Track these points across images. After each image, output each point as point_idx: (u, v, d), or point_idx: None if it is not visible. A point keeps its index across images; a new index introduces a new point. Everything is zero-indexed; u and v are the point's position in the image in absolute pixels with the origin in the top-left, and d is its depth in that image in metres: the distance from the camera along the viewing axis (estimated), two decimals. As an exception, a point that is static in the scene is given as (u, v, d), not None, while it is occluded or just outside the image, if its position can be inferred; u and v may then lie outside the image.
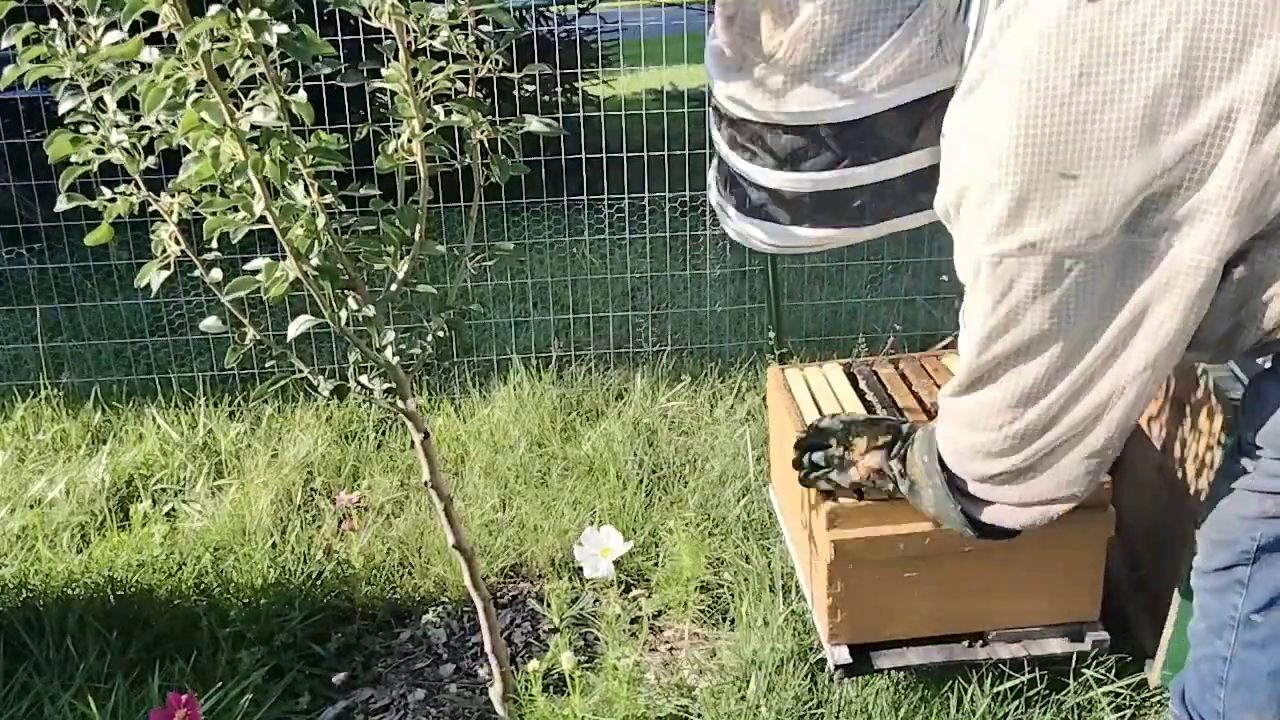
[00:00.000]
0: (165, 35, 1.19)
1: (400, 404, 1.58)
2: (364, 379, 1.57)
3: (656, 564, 2.39)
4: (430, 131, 1.41)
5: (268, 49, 1.19)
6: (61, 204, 1.40)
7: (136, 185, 1.43)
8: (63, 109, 1.33)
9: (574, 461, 2.84)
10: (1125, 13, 1.16)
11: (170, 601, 2.26)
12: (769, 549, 2.36)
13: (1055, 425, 1.38)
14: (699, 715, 1.95)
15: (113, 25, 1.24)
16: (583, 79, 5.25)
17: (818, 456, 1.77)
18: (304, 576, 2.36)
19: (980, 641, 1.90)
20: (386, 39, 1.36)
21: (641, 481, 2.71)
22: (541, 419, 3.07)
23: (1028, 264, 1.25)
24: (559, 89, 5.56)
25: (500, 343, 3.61)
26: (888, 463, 1.69)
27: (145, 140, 1.37)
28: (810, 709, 1.94)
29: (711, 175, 1.60)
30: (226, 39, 1.18)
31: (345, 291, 1.46)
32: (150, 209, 1.45)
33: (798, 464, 1.80)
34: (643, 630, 2.17)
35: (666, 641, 2.21)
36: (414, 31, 1.34)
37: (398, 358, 1.50)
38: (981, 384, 1.40)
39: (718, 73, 1.43)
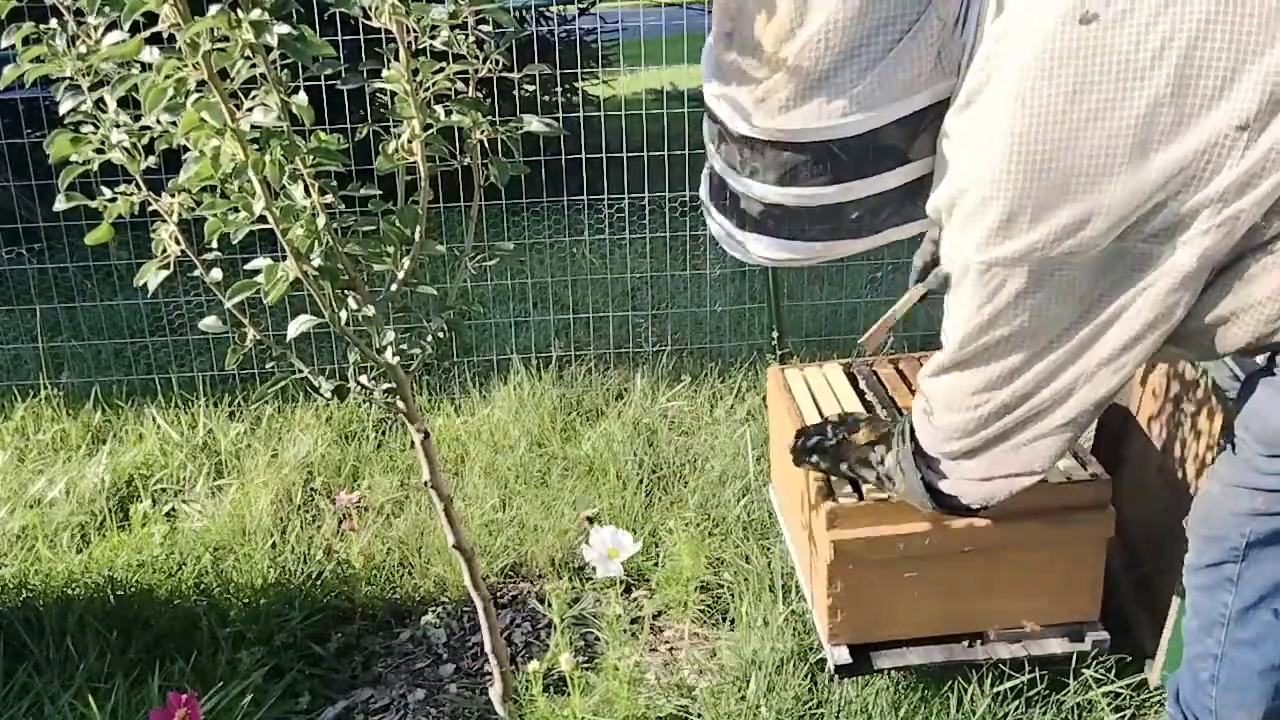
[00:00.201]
0: (165, 35, 1.19)
1: (400, 404, 1.58)
2: (364, 379, 1.57)
3: (656, 564, 2.39)
4: (430, 131, 1.41)
5: (268, 49, 1.19)
6: (61, 203, 1.40)
7: (137, 185, 1.42)
8: (63, 109, 1.33)
9: (574, 461, 2.84)
10: (1119, 31, 1.19)
11: (170, 601, 2.26)
12: (769, 549, 2.36)
13: (1022, 404, 1.42)
14: (699, 715, 1.95)
15: (113, 25, 1.24)
16: (583, 79, 5.25)
17: (814, 443, 1.80)
18: (304, 576, 2.36)
19: (980, 641, 1.90)
20: (387, 39, 1.36)
21: (641, 481, 2.71)
22: (541, 419, 3.07)
23: (1014, 272, 1.30)
24: (559, 89, 5.56)
25: (500, 343, 3.61)
26: (873, 450, 1.72)
27: (145, 140, 1.37)
28: (810, 709, 1.94)
29: (704, 189, 1.60)
30: (227, 39, 1.18)
31: (345, 292, 1.46)
32: (150, 209, 1.45)
33: (795, 449, 1.82)
34: (643, 630, 2.17)
35: (667, 641, 2.21)
36: (414, 32, 1.34)
37: (398, 358, 1.50)
38: (959, 369, 1.45)
39: (716, 92, 1.44)
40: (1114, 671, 1.90)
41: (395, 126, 1.44)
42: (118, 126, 1.35)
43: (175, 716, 1.55)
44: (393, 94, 1.40)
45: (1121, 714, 1.89)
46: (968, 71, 1.32)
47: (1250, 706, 1.44)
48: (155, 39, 1.22)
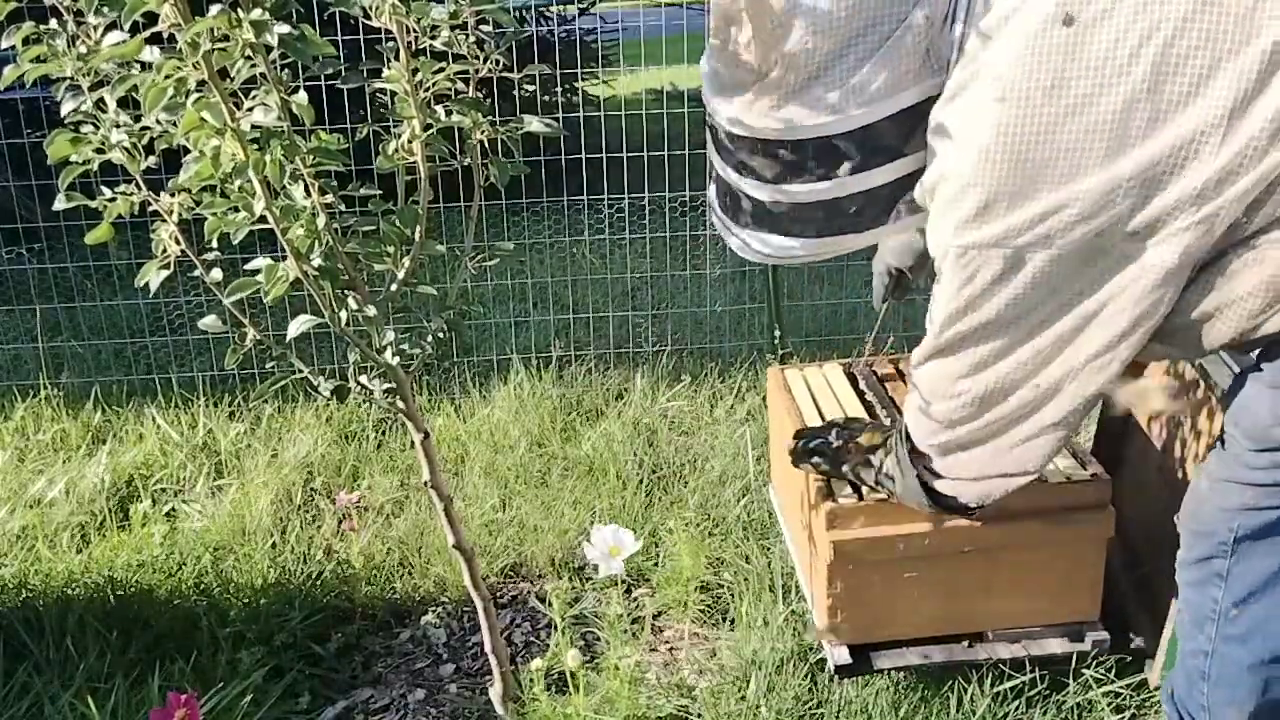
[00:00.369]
0: (165, 35, 1.19)
1: (400, 404, 1.58)
2: (364, 379, 1.57)
3: (656, 564, 2.39)
4: (430, 132, 1.41)
5: (268, 49, 1.19)
6: (60, 203, 1.40)
7: (137, 185, 1.42)
8: (64, 110, 1.33)
9: (574, 461, 2.84)
10: (1099, 30, 1.23)
11: (170, 601, 2.26)
12: (769, 549, 2.36)
13: (1009, 399, 1.44)
14: (699, 715, 1.95)
15: (113, 25, 1.24)
16: (583, 79, 5.25)
17: (815, 445, 1.81)
18: (304, 576, 2.36)
19: (980, 641, 1.90)
20: (387, 39, 1.36)
21: (641, 481, 2.71)
22: (541, 419, 3.07)
23: (990, 256, 1.33)
24: (559, 89, 5.56)
25: (500, 343, 3.61)
26: (875, 454, 1.74)
27: (145, 140, 1.37)
28: (810, 709, 1.94)
29: (711, 192, 1.63)
30: (227, 39, 1.18)
31: (345, 292, 1.46)
32: (150, 209, 1.45)
33: (794, 451, 1.83)
34: (643, 630, 2.17)
35: (667, 641, 2.21)
36: (414, 32, 1.34)
37: (398, 358, 1.50)
38: (942, 355, 1.47)
39: (713, 92, 1.48)
40: (1114, 671, 1.90)
41: (395, 126, 1.44)
42: (118, 126, 1.35)
43: (175, 716, 1.55)
44: (393, 94, 1.40)
45: (1121, 714, 1.89)
46: (956, 67, 1.35)
47: (1240, 702, 1.45)
48: (155, 39, 1.22)
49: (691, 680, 2.06)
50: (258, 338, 1.51)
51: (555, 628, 2.04)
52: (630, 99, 6.22)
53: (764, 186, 1.47)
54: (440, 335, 1.57)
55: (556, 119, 1.49)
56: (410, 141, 1.42)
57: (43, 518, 2.60)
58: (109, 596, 2.25)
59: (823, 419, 2.00)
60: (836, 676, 1.91)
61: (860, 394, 2.15)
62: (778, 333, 3.43)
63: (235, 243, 1.39)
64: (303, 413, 3.13)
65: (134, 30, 1.22)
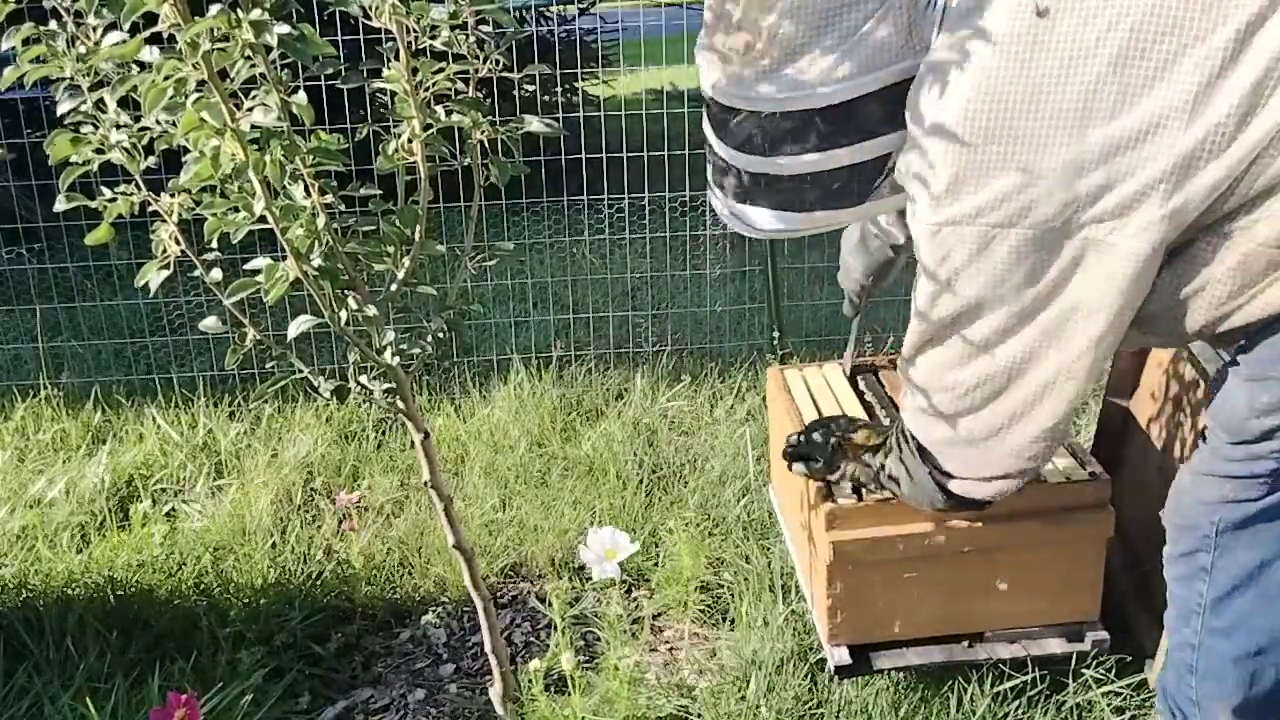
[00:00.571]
0: (165, 35, 1.19)
1: (400, 404, 1.58)
2: (364, 379, 1.57)
3: (656, 564, 2.39)
4: (430, 132, 1.41)
5: (268, 49, 1.19)
6: (60, 204, 1.40)
7: (136, 185, 1.42)
8: (62, 109, 1.33)
9: (574, 461, 2.84)
10: (1068, 15, 1.26)
11: (170, 601, 2.26)
12: (769, 549, 2.36)
13: (1005, 394, 1.45)
14: (699, 715, 1.95)
15: (113, 25, 1.24)
16: (583, 79, 5.25)
17: (820, 437, 1.81)
18: (304, 576, 2.36)
19: (980, 641, 1.90)
20: (387, 39, 1.36)
21: (641, 481, 2.71)
22: (541, 419, 3.07)
23: (963, 234, 1.35)
24: (559, 89, 5.56)
25: (500, 343, 3.61)
26: (874, 453, 1.75)
27: (145, 140, 1.37)
28: (810, 709, 1.94)
29: (709, 171, 1.66)
30: (227, 39, 1.18)
31: (345, 292, 1.46)
32: (150, 209, 1.45)
33: (786, 454, 1.83)
34: (643, 630, 2.17)
35: (667, 641, 2.21)
36: (414, 32, 1.34)
37: (397, 358, 1.50)
38: (931, 345, 1.49)
39: (704, 65, 1.51)
40: (1114, 671, 1.90)
41: (395, 126, 1.44)
42: (117, 127, 1.35)
43: (175, 716, 1.55)
44: (393, 94, 1.40)
45: (1121, 714, 1.89)
46: (933, 47, 1.38)
47: (1228, 696, 1.46)
48: (155, 39, 1.22)
49: (691, 680, 2.06)
50: (258, 338, 1.51)
51: (555, 628, 2.04)
52: (630, 99, 6.22)
53: (748, 159, 1.50)
54: (440, 335, 1.56)
55: (556, 119, 1.49)
56: (410, 141, 1.42)
57: (43, 518, 2.60)
58: (109, 596, 2.25)
59: (816, 420, 2.00)
60: (836, 677, 1.91)
61: (860, 394, 2.15)
62: (777, 333, 3.44)
63: (235, 243, 1.39)
64: (303, 413, 3.13)
65: (134, 30, 1.22)
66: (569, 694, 1.86)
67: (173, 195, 1.43)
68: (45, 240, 3.58)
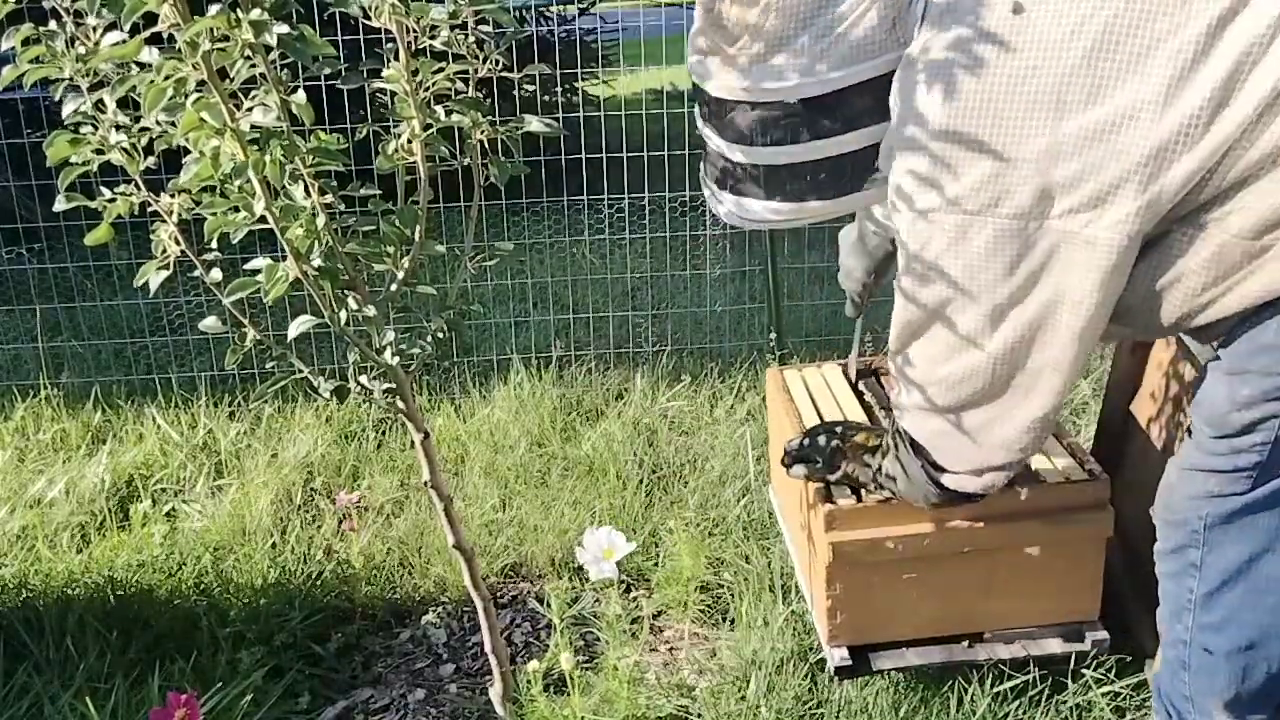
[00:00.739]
0: (165, 35, 1.19)
1: (400, 404, 1.58)
2: (364, 379, 1.57)
3: (656, 564, 2.39)
4: (430, 132, 1.41)
5: (268, 49, 1.19)
6: (60, 204, 1.40)
7: (136, 185, 1.42)
8: (63, 110, 1.33)
9: (574, 461, 2.84)
10: (1044, 9, 1.29)
11: (170, 601, 2.26)
12: (769, 549, 2.36)
13: (992, 390, 1.47)
14: (699, 715, 1.95)
15: (112, 26, 1.24)
16: (583, 79, 5.25)
17: (822, 440, 1.82)
18: (304, 576, 2.36)
19: (980, 642, 1.90)
20: (387, 39, 1.36)
21: (641, 481, 2.71)
22: (541, 419, 3.07)
23: (941, 221, 1.37)
24: (559, 89, 5.56)
25: (500, 343, 3.61)
26: (872, 454, 1.76)
27: (145, 141, 1.37)
28: (810, 709, 1.94)
29: (703, 166, 1.69)
30: (226, 39, 1.18)
31: (345, 292, 1.46)
32: (150, 209, 1.45)
33: (784, 460, 1.84)
34: (643, 630, 2.17)
35: (666, 641, 2.21)
36: (414, 32, 1.34)
37: (397, 358, 1.50)
38: (915, 336, 1.51)
39: (696, 56, 1.55)
40: (1114, 671, 1.90)
41: (395, 126, 1.44)
42: (117, 127, 1.35)
43: (175, 717, 1.55)
44: (393, 94, 1.40)
45: (1121, 714, 1.89)
46: (914, 41, 1.41)
47: (1221, 691, 1.47)
48: (155, 39, 1.22)
49: (691, 680, 2.06)
50: (258, 338, 1.51)
51: (554, 628, 2.04)
52: (630, 99, 6.22)
53: (737, 148, 1.53)
54: (440, 335, 1.56)
55: (556, 119, 1.49)
56: (410, 141, 1.42)
57: (43, 518, 2.60)
58: (109, 596, 2.25)
59: (821, 420, 2.00)
60: (836, 677, 1.91)
61: (859, 395, 2.15)
62: (776, 333, 3.43)
63: (235, 243, 1.39)
64: (303, 413, 3.13)
65: (133, 31, 1.22)
66: (569, 694, 1.86)
67: (173, 195, 1.43)
68: (45, 240, 3.58)
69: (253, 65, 1.22)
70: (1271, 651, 1.43)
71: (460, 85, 1.41)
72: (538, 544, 2.47)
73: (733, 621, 2.19)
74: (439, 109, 1.41)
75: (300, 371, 1.60)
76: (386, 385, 1.56)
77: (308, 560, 2.42)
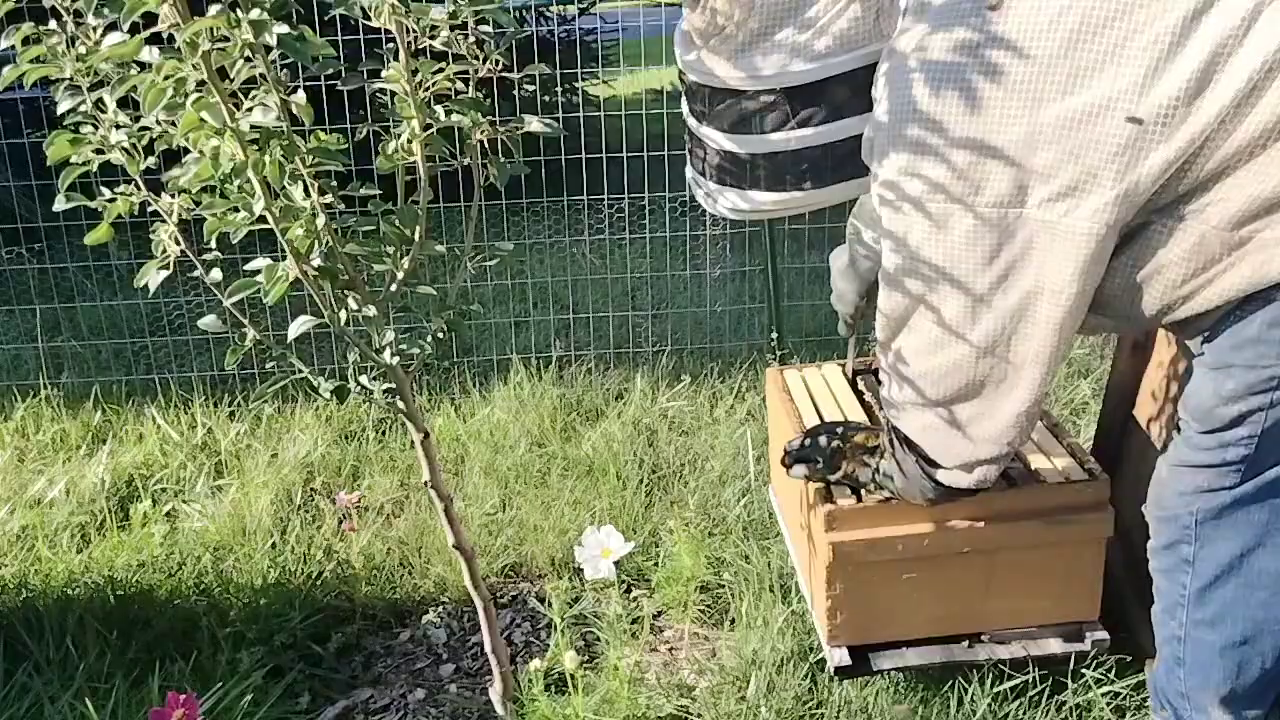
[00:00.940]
0: (165, 35, 1.19)
1: (400, 404, 1.58)
2: (364, 379, 1.57)
3: (656, 564, 2.39)
4: (430, 132, 1.41)
5: (268, 49, 1.19)
6: (60, 204, 1.40)
7: (136, 185, 1.42)
8: (61, 109, 1.33)
9: (574, 461, 2.84)
10: (1019, 4, 1.30)
11: (170, 601, 2.26)
12: (769, 549, 2.36)
13: (976, 383, 1.48)
14: (699, 715, 1.95)
15: (112, 26, 1.24)
16: (583, 79, 5.25)
17: (823, 440, 1.82)
18: (304, 576, 2.36)
19: (979, 642, 1.90)
20: (387, 39, 1.36)
21: (641, 481, 2.71)
22: (541, 419, 3.07)
23: (921, 210, 1.38)
24: (559, 89, 5.56)
25: (500, 343, 3.61)
26: (871, 455, 1.77)
27: (145, 140, 1.37)
28: (810, 709, 1.94)
29: (689, 162, 1.70)
30: (226, 39, 1.18)
31: (345, 292, 1.46)
32: (150, 209, 1.45)
33: (783, 461, 1.84)
34: (643, 630, 2.17)
35: (667, 641, 2.21)
36: (414, 32, 1.34)
37: (397, 358, 1.50)
38: (900, 330, 1.51)
39: (683, 48, 1.58)
40: (1114, 671, 1.90)
41: (395, 126, 1.44)
42: (117, 127, 1.35)
43: (174, 717, 1.55)
44: (393, 94, 1.40)
45: (1121, 714, 1.89)
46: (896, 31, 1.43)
47: (1216, 686, 1.47)
48: (155, 39, 1.22)
49: (691, 680, 2.06)
50: (258, 338, 1.51)
51: (555, 628, 2.04)
52: (630, 99, 6.22)
53: (721, 136, 1.55)
54: (440, 335, 1.56)
55: (556, 119, 1.49)
56: (410, 141, 1.42)
57: (43, 518, 2.60)
58: (109, 596, 2.25)
59: (821, 420, 2.01)
60: (836, 677, 1.91)
61: (859, 395, 2.15)
62: (776, 333, 3.43)
63: (235, 243, 1.39)
64: (303, 413, 3.13)
65: (133, 30, 1.22)
66: (569, 694, 1.86)
67: (173, 195, 1.43)
68: (45, 240, 3.58)
69: (253, 65, 1.22)
70: (1265, 646, 1.43)
71: (460, 85, 1.41)
72: (538, 544, 2.47)
73: (733, 621, 2.19)
74: (439, 109, 1.41)
75: (300, 371, 1.61)
76: (386, 385, 1.56)
77: (308, 560, 2.42)
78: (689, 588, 2.24)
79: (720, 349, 3.56)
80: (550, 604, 2.03)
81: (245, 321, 1.50)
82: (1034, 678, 1.88)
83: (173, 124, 1.29)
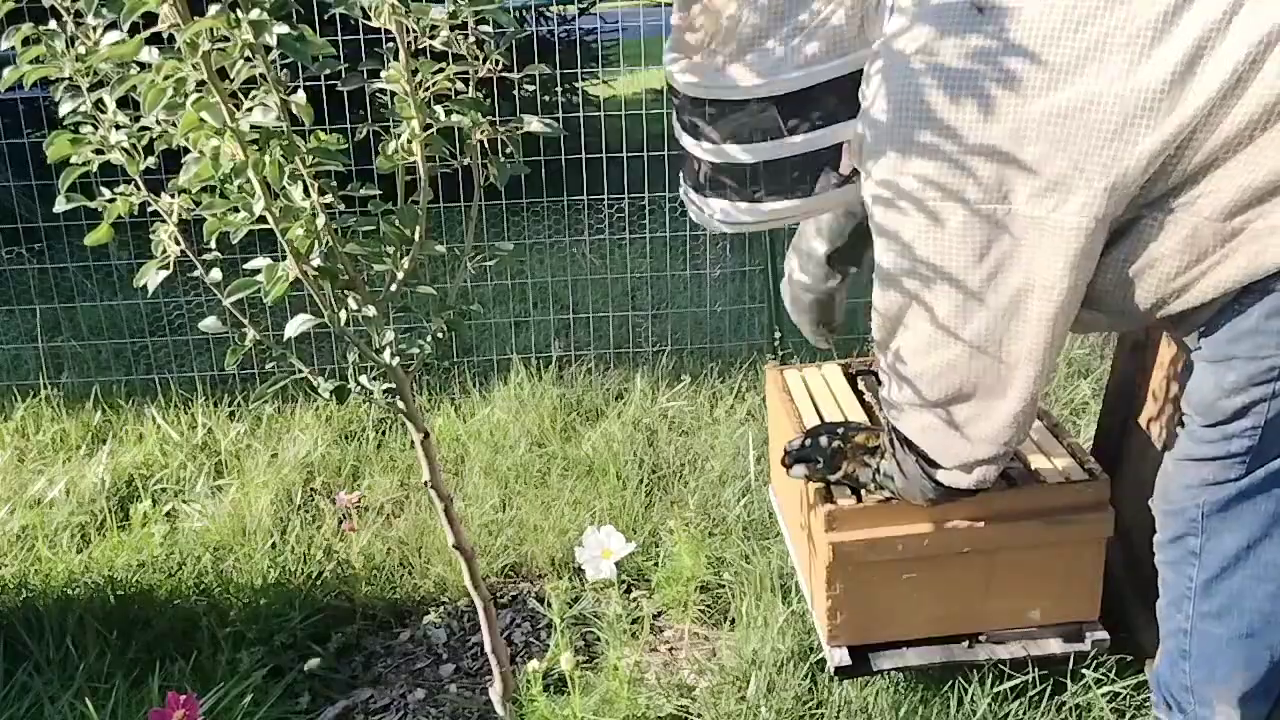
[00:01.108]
0: (165, 35, 1.19)
1: (400, 404, 1.58)
2: (364, 379, 1.57)
3: (656, 564, 2.39)
4: (430, 132, 1.41)
5: (268, 49, 1.19)
6: (60, 204, 1.40)
7: (136, 185, 1.42)
8: (63, 110, 1.33)
9: (574, 461, 2.84)
10: (1011, 2, 1.31)
11: (170, 601, 2.26)
12: (769, 549, 2.36)
13: (971, 382, 1.47)
14: (699, 715, 1.95)
15: (112, 25, 1.24)
16: (583, 79, 5.25)
17: (823, 440, 1.82)
18: (304, 576, 2.36)
19: (980, 642, 1.90)
20: (386, 39, 1.36)
21: (641, 481, 2.71)
22: (541, 419, 3.07)
23: (910, 213, 1.39)
24: (559, 89, 5.56)
25: (500, 343, 3.61)
26: (871, 455, 1.77)
27: (145, 140, 1.37)
28: (810, 709, 1.94)
29: (682, 175, 1.70)
30: (226, 39, 1.18)
31: (345, 292, 1.46)
32: (150, 209, 1.45)
33: (784, 461, 1.84)
34: (643, 630, 2.17)
35: (666, 641, 2.21)
36: (414, 32, 1.34)
37: (397, 358, 1.50)
38: (897, 329, 1.51)
39: (672, 59, 1.57)
40: (1114, 671, 1.90)
41: (395, 126, 1.44)
42: (117, 127, 1.35)
43: (173, 717, 1.55)
44: (393, 94, 1.40)
45: (1121, 714, 1.89)
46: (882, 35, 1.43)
47: (1222, 679, 1.47)
48: (155, 39, 1.22)
49: (691, 680, 2.06)
50: (258, 338, 1.51)
51: (555, 628, 2.04)
52: (630, 99, 6.22)
53: (710, 147, 1.55)
54: (440, 335, 1.56)
55: (556, 119, 1.49)
56: (410, 141, 1.42)
57: (43, 518, 2.60)
58: (109, 596, 2.25)
59: (821, 420, 2.01)
60: (836, 677, 1.91)
61: (859, 395, 2.15)
62: (778, 333, 3.43)
63: (235, 243, 1.39)
64: (303, 413, 3.13)
65: (133, 31, 1.22)
66: (569, 694, 1.86)
67: (173, 195, 1.43)
68: (45, 240, 3.58)
69: (253, 65, 1.22)
70: (1273, 638, 1.43)
71: (460, 85, 1.41)
72: (538, 544, 2.47)
73: (733, 621, 2.19)
74: (439, 109, 1.41)
75: (300, 371, 1.60)
76: (386, 385, 1.56)
77: (308, 560, 2.42)
78: (689, 588, 2.24)
79: (720, 349, 3.56)
80: (550, 604, 2.03)
81: (245, 321, 1.50)
82: (1034, 678, 1.88)
83: (173, 124, 1.29)
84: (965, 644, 1.89)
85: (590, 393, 3.25)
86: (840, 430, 1.83)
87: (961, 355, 1.45)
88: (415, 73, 1.37)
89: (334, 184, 1.41)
